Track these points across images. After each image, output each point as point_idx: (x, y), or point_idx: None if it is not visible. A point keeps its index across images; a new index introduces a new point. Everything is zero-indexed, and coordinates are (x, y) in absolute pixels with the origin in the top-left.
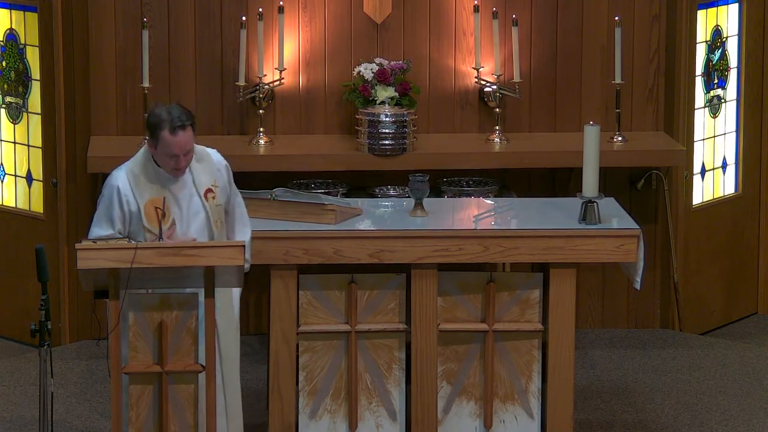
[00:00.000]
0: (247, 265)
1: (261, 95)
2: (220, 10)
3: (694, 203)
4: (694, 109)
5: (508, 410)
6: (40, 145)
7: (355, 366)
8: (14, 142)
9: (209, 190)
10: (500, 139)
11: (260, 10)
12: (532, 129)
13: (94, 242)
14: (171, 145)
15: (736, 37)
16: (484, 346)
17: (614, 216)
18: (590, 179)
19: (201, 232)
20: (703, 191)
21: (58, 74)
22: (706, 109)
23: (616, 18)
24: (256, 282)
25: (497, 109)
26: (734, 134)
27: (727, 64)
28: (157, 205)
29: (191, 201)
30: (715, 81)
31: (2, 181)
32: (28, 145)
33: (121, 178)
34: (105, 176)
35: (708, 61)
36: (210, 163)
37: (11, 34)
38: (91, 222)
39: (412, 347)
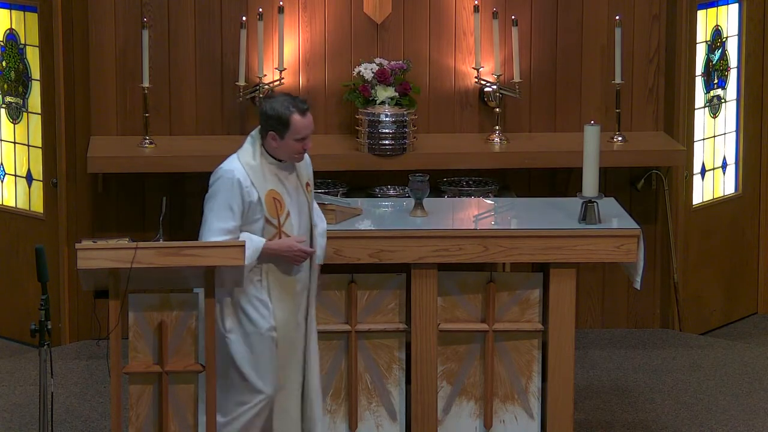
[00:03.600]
0: (320, 260)
1: (261, 95)
2: (220, 10)
3: (694, 203)
4: (694, 109)
5: (508, 410)
6: (40, 145)
7: (355, 366)
8: (14, 142)
9: (308, 184)
10: (500, 139)
11: (260, 10)
12: (532, 129)
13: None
14: (302, 127)
15: (736, 37)
16: (484, 346)
17: (614, 216)
18: (590, 179)
19: (305, 224)
20: (703, 191)
21: (58, 74)
22: (706, 109)
23: (616, 18)
24: None
25: (497, 109)
26: (734, 134)
27: (727, 64)
28: (275, 196)
29: (298, 193)
30: (715, 81)
31: (2, 181)
32: (28, 145)
33: (238, 170)
34: (103, 175)
35: (708, 61)
36: (305, 158)
37: (11, 34)
38: (201, 225)
39: (412, 347)
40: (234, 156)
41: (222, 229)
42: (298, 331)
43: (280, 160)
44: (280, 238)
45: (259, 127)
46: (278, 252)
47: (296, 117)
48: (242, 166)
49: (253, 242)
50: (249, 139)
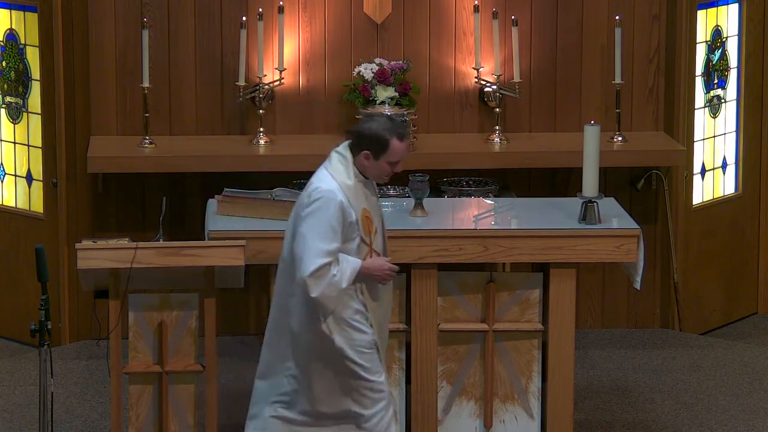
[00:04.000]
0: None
1: (261, 95)
2: (220, 10)
3: (694, 203)
4: (694, 109)
5: (508, 410)
6: (40, 145)
7: None
8: (14, 142)
9: (379, 201)
10: (500, 139)
11: (260, 10)
12: (532, 129)
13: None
14: (399, 152)
15: (736, 37)
16: (484, 346)
17: (614, 216)
18: (590, 179)
19: (384, 241)
20: (703, 191)
21: (58, 74)
22: (706, 109)
23: (616, 18)
24: (256, 282)
25: (497, 109)
26: (734, 134)
27: (727, 64)
28: (366, 214)
29: (379, 210)
30: (715, 81)
31: (2, 181)
32: (28, 145)
33: (338, 191)
34: (103, 175)
35: (708, 61)
36: None
37: (11, 34)
38: (298, 242)
39: (412, 347)
40: (326, 174)
41: (325, 250)
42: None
43: (366, 178)
44: (371, 256)
45: (348, 143)
46: (371, 271)
47: (395, 142)
48: (340, 186)
49: (351, 263)
50: (337, 156)
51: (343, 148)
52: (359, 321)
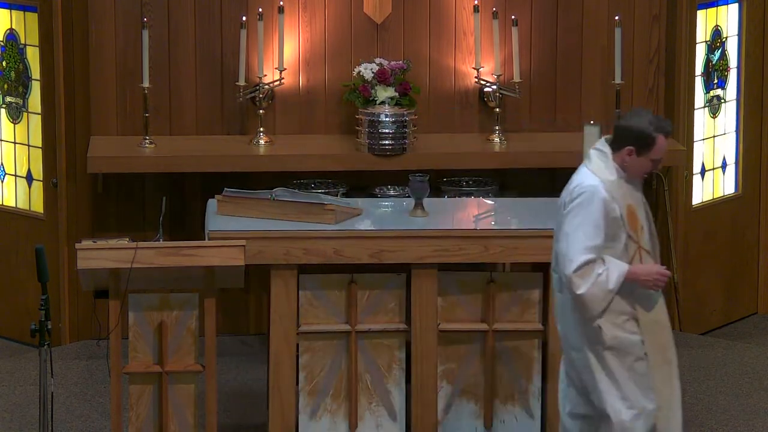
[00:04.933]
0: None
1: (261, 95)
2: (220, 10)
3: (694, 203)
4: (694, 109)
5: (508, 410)
6: (40, 145)
7: (355, 366)
8: (14, 142)
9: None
10: (500, 139)
11: (260, 10)
12: (532, 129)
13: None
14: (663, 149)
15: (736, 37)
16: (484, 346)
17: None
18: None
19: (653, 241)
20: (703, 191)
21: (58, 74)
22: (706, 109)
23: (616, 18)
24: (256, 282)
25: (497, 109)
26: (734, 134)
27: (727, 64)
28: (632, 210)
29: (645, 207)
30: (715, 81)
31: (2, 181)
32: (28, 145)
33: (601, 187)
34: (103, 175)
35: (708, 61)
36: None
37: (11, 34)
38: (562, 240)
39: (412, 347)
40: (586, 171)
41: (590, 247)
42: (669, 351)
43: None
44: (640, 255)
45: (607, 139)
46: (638, 276)
47: (661, 139)
48: (602, 182)
49: (617, 266)
50: (596, 152)
51: (602, 144)
52: (626, 330)
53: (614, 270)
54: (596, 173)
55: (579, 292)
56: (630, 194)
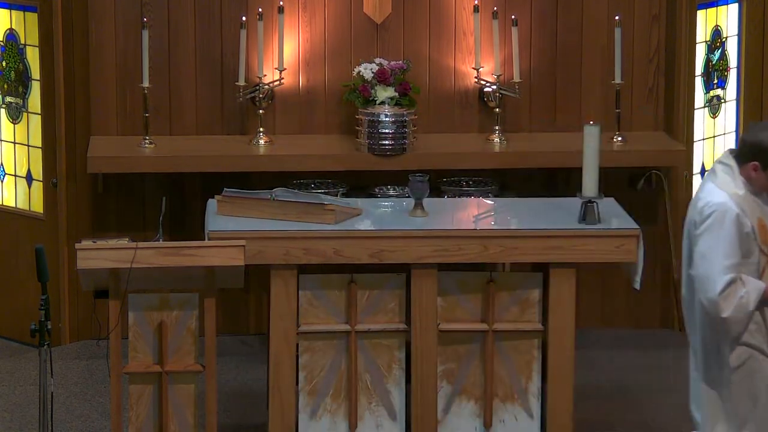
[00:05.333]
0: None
1: (261, 95)
2: (220, 10)
3: None
4: (694, 109)
5: (508, 410)
6: (40, 145)
7: (355, 366)
8: (14, 142)
9: None
10: (500, 139)
11: (260, 10)
12: (532, 129)
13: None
14: None
15: (736, 37)
16: (484, 346)
17: (614, 216)
18: (590, 179)
19: None
20: None
21: (58, 74)
22: (706, 109)
23: (616, 18)
24: (256, 282)
25: (497, 109)
26: (734, 134)
27: (727, 64)
28: (763, 224)
29: None
30: (715, 81)
31: (2, 181)
32: (28, 145)
33: (730, 202)
34: (103, 175)
35: (708, 61)
36: None
37: (11, 34)
38: (698, 261)
39: (412, 347)
40: (713, 187)
41: (728, 266)
42: None
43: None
44: None
45: (731, 152)
46: None
47: None
48: (730, 197)
49: (755, 285)
50: (722, 167)
51: (726, 157)
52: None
53: (753, 290)
54: (723, 188)
55: (724, 315)
56: (760, 208)
